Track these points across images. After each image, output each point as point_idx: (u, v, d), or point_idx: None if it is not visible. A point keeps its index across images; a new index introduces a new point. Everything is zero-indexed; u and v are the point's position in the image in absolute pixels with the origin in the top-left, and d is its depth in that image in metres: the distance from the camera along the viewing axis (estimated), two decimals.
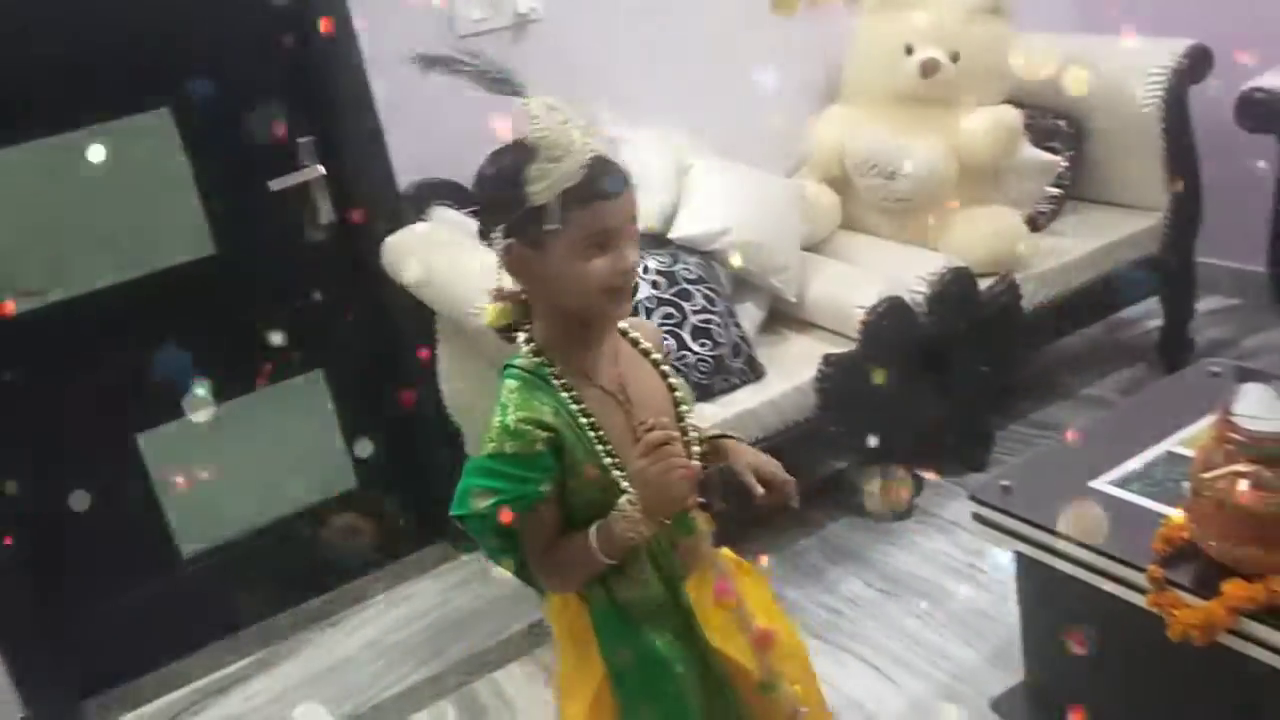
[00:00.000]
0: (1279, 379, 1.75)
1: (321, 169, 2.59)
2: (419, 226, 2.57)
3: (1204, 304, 3.26)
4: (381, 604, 2.77)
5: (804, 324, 2.77)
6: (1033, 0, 3.15)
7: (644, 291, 2.47)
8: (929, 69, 2.82)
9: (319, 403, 2.76)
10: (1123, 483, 1.82)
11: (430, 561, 2.88)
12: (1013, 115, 2.83)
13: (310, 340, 2.65)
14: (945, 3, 2.90)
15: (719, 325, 2.52)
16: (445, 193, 2.65)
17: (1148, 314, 3.31)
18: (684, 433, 1.45)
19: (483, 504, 1.32)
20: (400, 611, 2.73)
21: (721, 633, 1.45)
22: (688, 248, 2.63)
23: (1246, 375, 1.91)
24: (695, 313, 2.50)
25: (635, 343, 1.47)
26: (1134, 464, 1.85)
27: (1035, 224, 3.00)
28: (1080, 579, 1.72)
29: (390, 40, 2.58)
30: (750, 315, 2.70)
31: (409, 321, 2.65)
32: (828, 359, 2.55)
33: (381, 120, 2.62)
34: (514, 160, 1.31)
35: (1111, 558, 1.66)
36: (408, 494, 2.87)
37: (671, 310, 2.49)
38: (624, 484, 1.34)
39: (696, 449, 1.47)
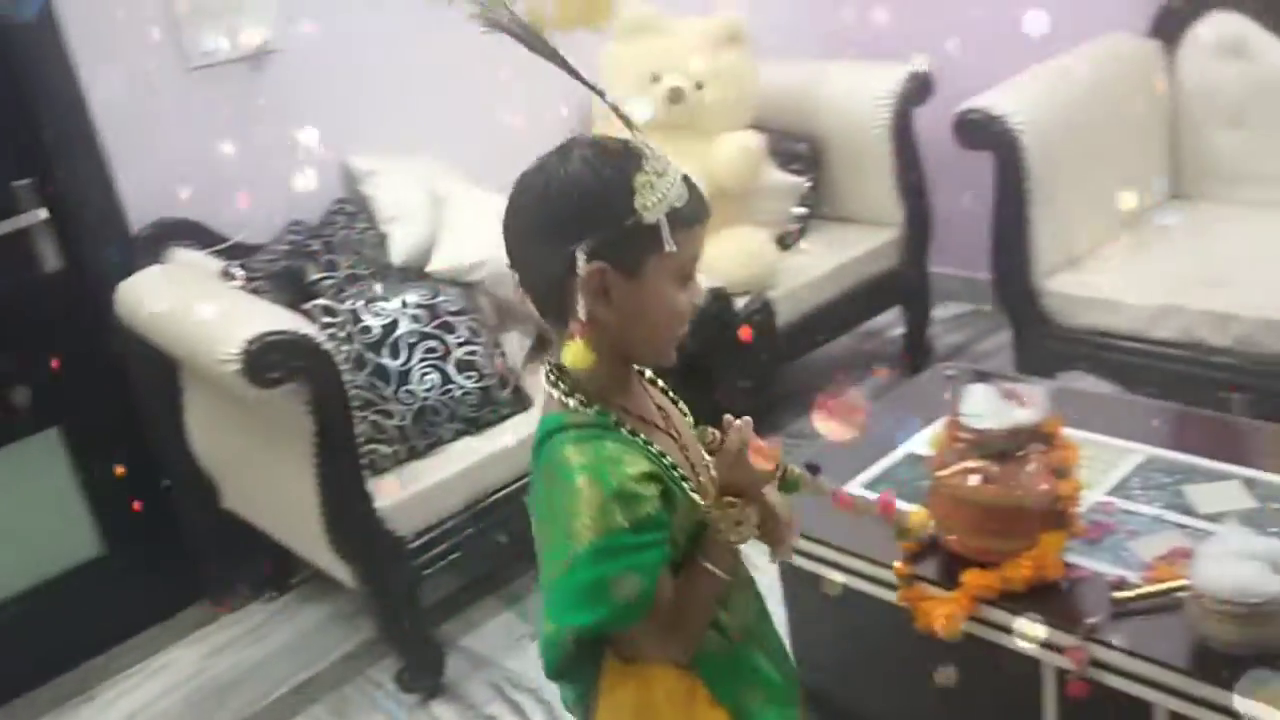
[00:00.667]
0: (1005, 379, 1.89)
1: (44, 212, 2.41)
2: (155, 269, 2.43)
3: (941, 311, 3.49)
4: (139, 674, 2.59)
5: None
6: (772, 29, 3.30)
7: (404, 326, 2.42)
8: (675, 96, 2.90)
9: (54, 464, 2.56)
10: (871, 485, 1.91)
11: (188, 625, 2.71)
12: (757, 140, 2.95)
13: (41, 397, 2.46)
14: (689, 32, 3.00)
15: (484, 357, 2.49)
16: (184, 232, 2.53)
17: (891, 324, 3.52)
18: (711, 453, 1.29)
19: (631, 590, 1.08)
20: (159, 681, 2.56)
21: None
22: (448, 280, 2.60)
23: (979, 376, 2.04)
24: (459, 345, 2.47)
25: (654, 381, 1.32)
26: (880, 466, 1.95)
27: (784, 243, 3.14)
28: (835, 580, 1.78)
29: (118, 76, 2.44)
30: (516, 345, 2.69)
31: (150, 371, 2.50)
32: None
33: (111, 160, 2.47)
34: (617, 166, 1.10)
35: (863, 558, 1.74)
36: (161, 555, 2.69)
37: (435, 344, 2.44)
38: (704, 507, 1.19)
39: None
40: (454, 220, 2.67)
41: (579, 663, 1.19)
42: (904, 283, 3.26)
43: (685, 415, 1.32)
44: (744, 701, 1.25)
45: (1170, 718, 1.47)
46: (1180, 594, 1.50)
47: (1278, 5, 2.73)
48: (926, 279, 3.32)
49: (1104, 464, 1.83)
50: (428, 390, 2.39)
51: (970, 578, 1.58)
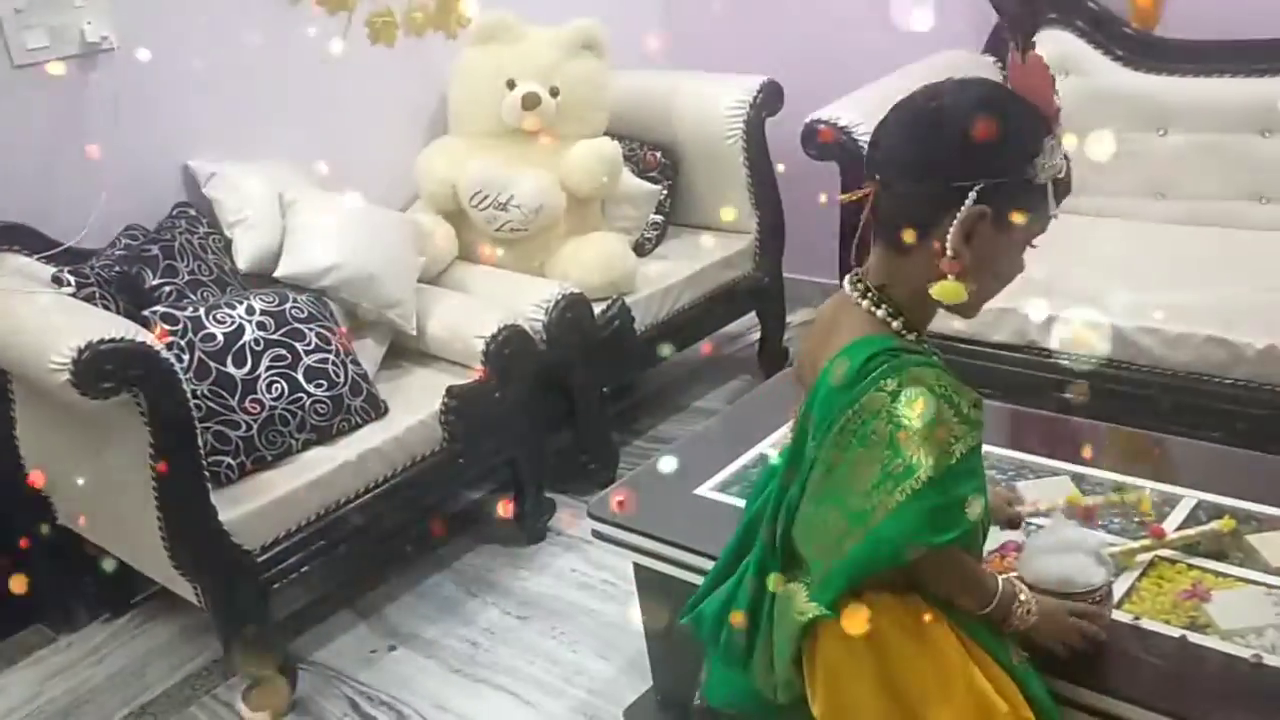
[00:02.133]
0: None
1: None
2: None
3: (796, 316, 3.57)
4: None
5: (426, 357, 2.74)
6: (627, 39, 3.33)
7: (249, 334, 2.35)
8: (530, 103, 2.90)
9: None
10: (722, 487, 1.94)
11: (22, 649, 2.57)
12: (612, 147, 2.97)
13: None
14: (543, 39, 3.00)
15: (335, 364, 2.44)
16: (12, 237, 2.40)
17: (748, 329, 3.58)
18: None
19: (977, 509, 1.18)
20: None
21: None
22: (296, 285, 2.53)
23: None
24: (309, 353, 2.41)
25: None
26: (732, 469, 1.99)
27: (641, 249, 3.16)
28: (690, 582, 1.80)
29: None
30: (369, 352, 2.64)
31: None
32: (451, 390, 2.55)
33: None
34: (1033, 123, 1.16)
35: (714, 558, 1.76)
36: None
37: (283, 352, 2.38)
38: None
39: None
40: (302, 224, 2.60)
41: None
42: (759, 289, 3.33)
43: None
44: (972, 629, 1.29)
45: None
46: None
47: (1104, 24, 2.89)
48: (781, 285, 3.39)
49: None
50: (275, 399, 2.33)
51: None
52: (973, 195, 1.14)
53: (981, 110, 1.14)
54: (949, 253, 1.16)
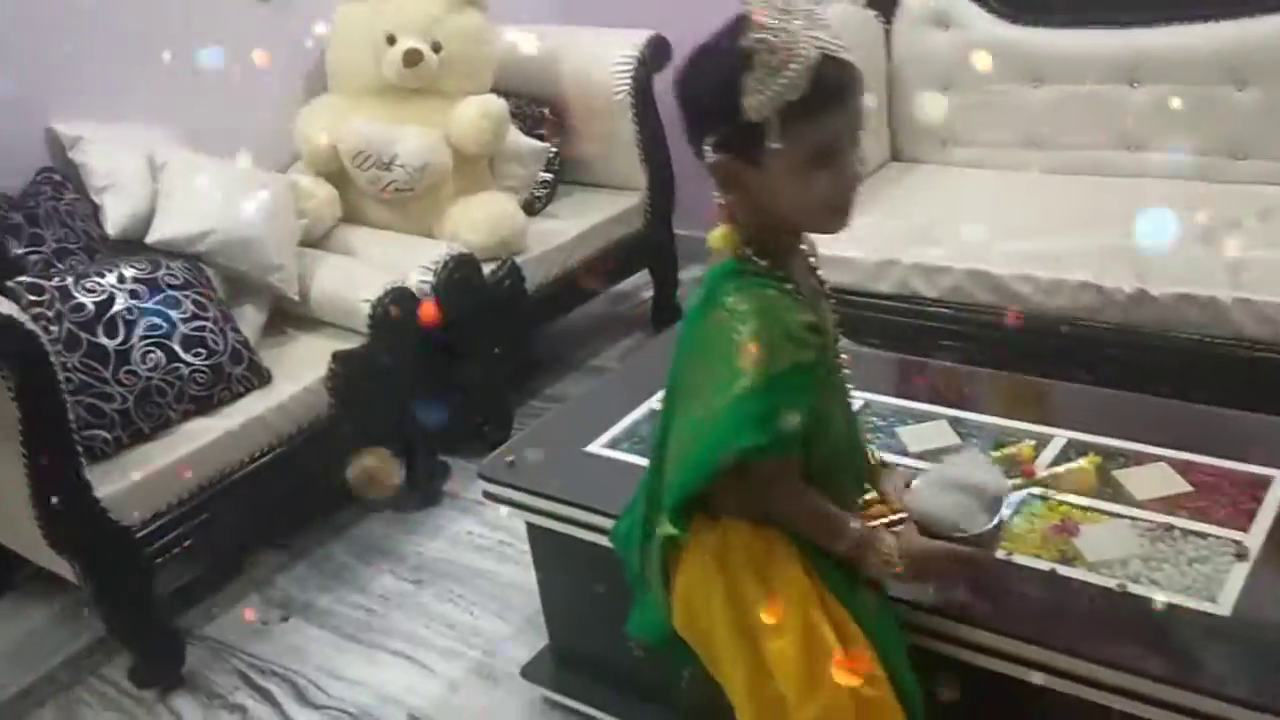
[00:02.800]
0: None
1: None
2: None
3: (688, 273, 3.57)
4: None
5: (311, 322, 2.68)
6: None
7: (122, 302, 2.27)
8: (411, 59, 2.83)
9: None
10: (613, 444, 1.94)
11: None
12: (499, 105, 2.92)
13: None
14: None
15: (214, 332, 2.37)
16: None
17: (640, 286, 3.58)
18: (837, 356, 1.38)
19: (793, 422, 1.18)
20: None
21: None
22: (170, 251, 2.45)
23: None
24: (185, 321, 2.33)
25: (814, 269, 1.38)
26: (622, 425, 1.99)
27: (531, 208, 3.13)
28: (582, 539, 1.81)
29: None
30: (250, 318, 2.57)
31: None
32: (337, 356, 2.50)
33: None
34: (728, 66, 1.14)
35: (606, 514, 1.77)
36: None
37: (158, 321, 2.30)
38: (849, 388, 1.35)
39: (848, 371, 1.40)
40: (174, 188, 2.51)
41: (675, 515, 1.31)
42: (650, 246, 3.32)
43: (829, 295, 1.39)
44: (823, 566, 1.32)
45: None
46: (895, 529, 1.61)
47: None
48: (672, 242, 3.39)
49: None
50: (151, 370, 2.25)
51: None
52: (708, 149, 1.19)
53: (683, 74, 1.22)
54: (716, 200, 1.23)
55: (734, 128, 1.16)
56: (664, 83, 3.17)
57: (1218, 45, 2.65)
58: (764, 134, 1.14)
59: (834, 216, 1.23)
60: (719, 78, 1.16)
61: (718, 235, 1.25)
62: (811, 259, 1.37)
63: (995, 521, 1.38)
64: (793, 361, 1.18)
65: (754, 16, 1.14)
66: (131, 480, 2.17)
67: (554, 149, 3.22)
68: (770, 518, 1.32)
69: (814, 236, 1.37)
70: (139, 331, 2.27)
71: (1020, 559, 1.52)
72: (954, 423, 1.87)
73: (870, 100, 1.23)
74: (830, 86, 1.15)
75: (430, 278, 2.68)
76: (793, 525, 1.31)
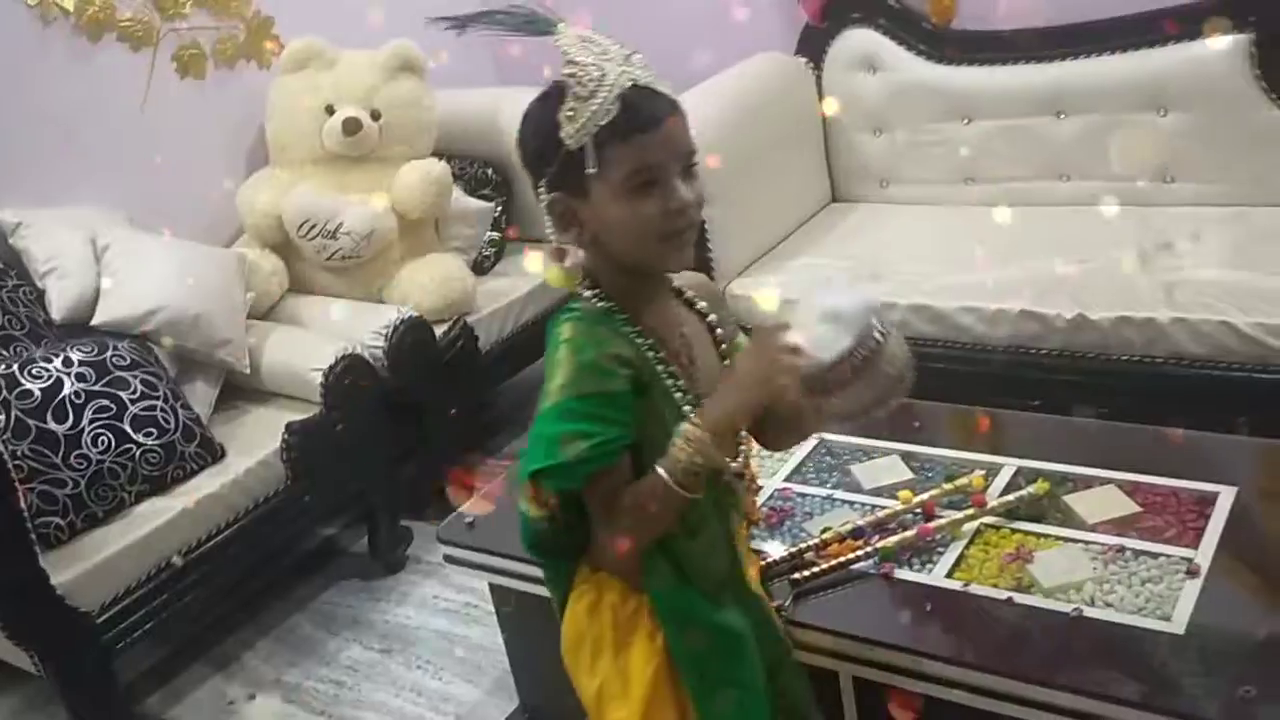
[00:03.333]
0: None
1: None
2: None
3: None
4: None
5: (263, 395, 2.67)
6: (452, 56, 3.30)
7: (69, 386, 2.25)
8: (351, 128, 2.86)
9: None
10: None
11: None
12: (440, 168, 2.94)
13: None
14: (359, 62, 2.96)
15: (165, 410, 2.35)
16: None
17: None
18: None
19: (577, 449, 1.17)
20: None
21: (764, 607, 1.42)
22: (117, 332, 2.43)
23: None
24: (134, 401, 2.32)
25: (691, 304, 1.37)
26: None
27: (480, 267, 3.15)
28: (545, 596, 1.80)
29: None
30: (201, 394, 2.56)
31: None
32: (290, 427, 2.49)
33: None
34: (546, 105, 1.21)
35: None
36: None
37: (106, 403, 2.28)
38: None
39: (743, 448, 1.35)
40: (118, 268, 2.51)
41: (557, 551, 1.35)
42: None
43: (721, 341, 1.36)
44: (691, 645, 1.30)
45: (853, 681, 1.59)
46: (852, 566, 1.63)
47: (905, 20, 3.01)
48: None
49: (782, 453, 1.94)
50: (102, 453, 2.23)
51: None
52: (542, 189, 1.23)
53: (523, 120, 1.26)
54: (552, 240, 1.26)
55: (559, 163, 1.20)
56: None
57: (1137, 74, 2.73)
58: (584, 164, 1.18)
59: (666, 247, 1.23)
60: (540, 117, 1.22)
61: (552, 274, 1.26)
62: (700, 303, 1.36)
63: (849, 344, 1.21)
64: (582, 391, 1.19)
65: (567, 53, 1.19)
66: (88, 566, 2.15)
67: (499, 208, 3.24)
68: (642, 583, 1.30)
69: (716, 291, 1.42)
70: (88, 415, 2.25)
71: (977, 589, 1.54)
72: (905, 457, 1.90)
73: (700, 148, 1.23)
74: (641, 111, 1.19)
75: (381, 343, 2.68)
76: (646, 526, 1.24)
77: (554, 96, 1.20)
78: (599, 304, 1.26)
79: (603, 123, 1.17)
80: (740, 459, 1.34)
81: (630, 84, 1.19)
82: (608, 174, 1.18)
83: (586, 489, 1.23)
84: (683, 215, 1.22)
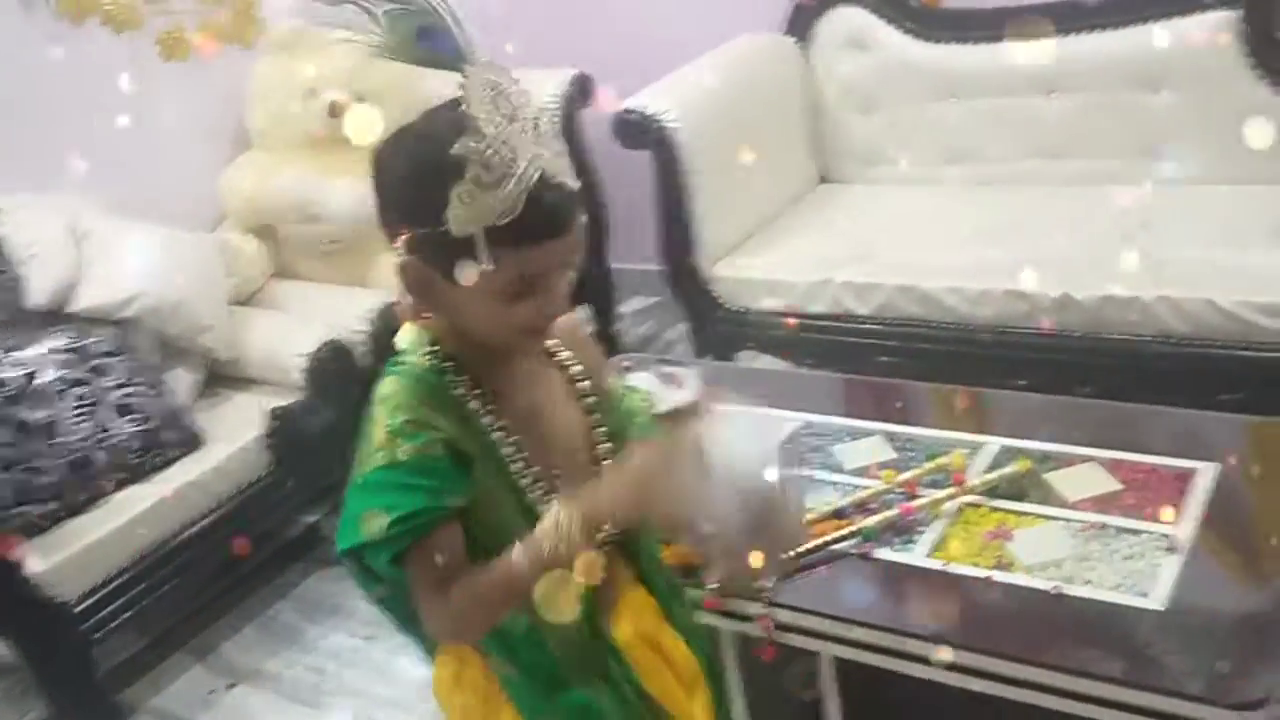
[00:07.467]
0: (672, 364, 1.96)
1: None
2: None
3: (628, 305, 3.58)
4: None
5: (245, 381, 2.66)
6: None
7: (50, 374, 2.24)
8: (336, 110, 2.83)
9: None
10: None
11: None
12: None
13: None
14: (346, 45, 2.94)
15: (146, 397, 2.34)
16: None
17: (582, 321, 3.57)
18: (596, 463, 1.19)
19: (378, 525, 1.03)
20: None
21: (649, 674, 1.22)
22: (97, 319, 2.42)
23: (662, 363, 2.09)
24: (115, 388, 2.31)
25: (551, 355, 1.21)
26: None
27: None
28: None
29: None
30: (183, 381, 2.55)
31: None
32: (274, 413, 2.47)
33: None
34: (435, 166, 1.00)
35: None
36: None
37: (86, 390, 2.27)
38: (539, 510, 1.10)
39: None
40: (99, 255, 2.49)
41: (410, 619, 1.14)
42: (587, 281, 3.29)
43: (597, 426, 1.21)
44: None
45: (834, 662, 1.58)
46: (833, 547, 1.61)
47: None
48: (608, 276, 3.39)
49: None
50: (82, 440, 2.22)
51: None
52: (400, 246, 1.05)
53: (384, 153, 1.08)
54: (401, 299, 1.10)
55: (431, 234, 1.02)
56: (590, 119, 3.19)
57: (1128, 52, 2.70)
58: (464, 249, 1.01)
59: (526, 339, 1.13)
60: (424, 176, 1.02)
61: (406, 335, 1.11)
62: (562, 354, 1.23)
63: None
64: (393, 459, 1.05)
65: (475, 120, 1.00)
66: (67, 554, 2.13)
67: None
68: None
69: (584, 341, 1.27)
70: (68, 403, 2.23)
71: (958, 568, 1.52)
72: (889, 437, 1.88)
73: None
74: (546, 218, 1.03)
75: (365, 328, 2.66)
76: (481, 615, 1.10)
77: (448, 164, 0.99)
78: (429, 361, 1.11)
79: (502, 221, 1.00)
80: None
81: (538, 174, 1.01)
82: (490, 274, 1.01)
83: (406, 568, 1.07)
84: (559, 311, 1.10)
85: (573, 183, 1.06)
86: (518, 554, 1.06)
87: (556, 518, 1.06)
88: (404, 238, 1.05)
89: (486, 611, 1.10)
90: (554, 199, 1.03)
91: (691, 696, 1.26)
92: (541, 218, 1.02)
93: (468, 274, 1.01)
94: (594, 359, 1.27)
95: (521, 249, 1.02)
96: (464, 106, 1.01)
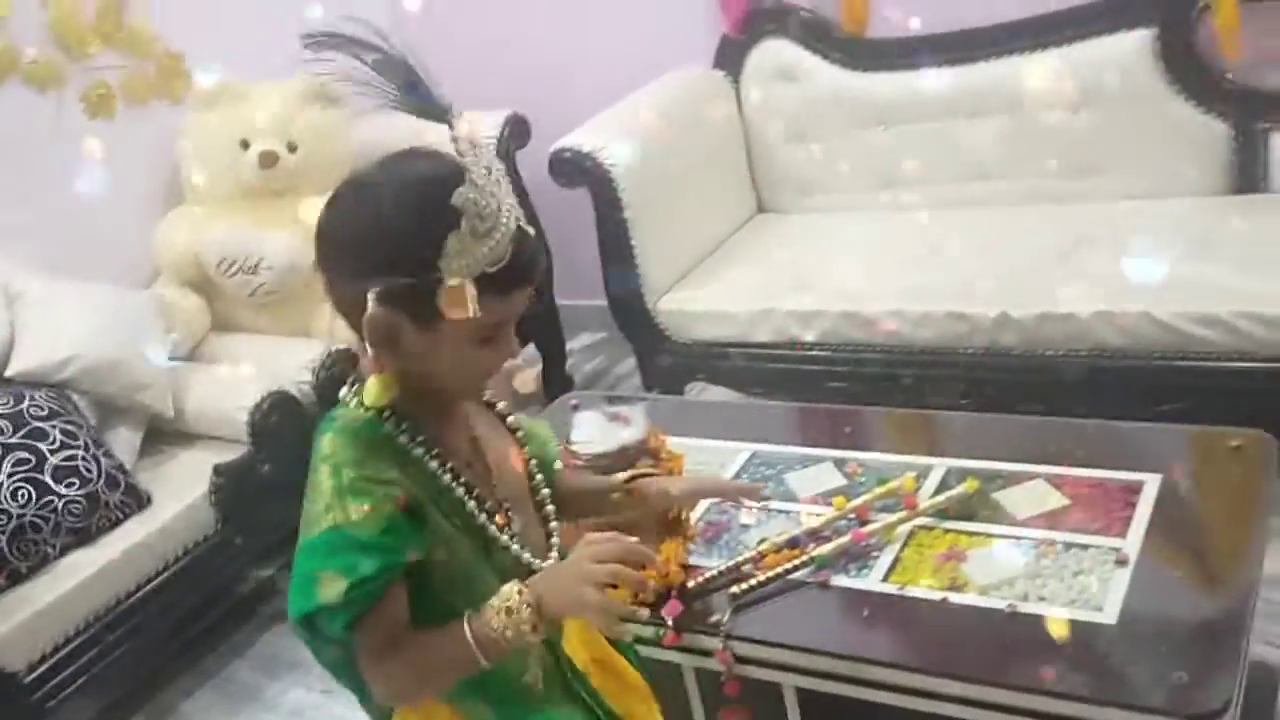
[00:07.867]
0: (620, 401, 1.97)
1: None
2: None
3: (577, 341, 3.59)
4: None
5: (189, 437, 2.62)
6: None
7: None
8: (267, 160, 2.82)
9: None
10: None
11: None
12: None
13: None
14: (275, 95, 2.92)
15: (86, 460, 2.29)
16: None
17: (530, 360, 3.57)
18: (539, 508, 1.23)
19: (335, 590, 1.01)
20: None
21: (612, 694, 1.25)
22: (33, 382, 2.37)
23: (609, 401, 2.09)
24: (54, 452, 2.26)
25: (490, 405, 1.25)
26: None
27: None
28: None
29: None
30: (125, 440, 2.50)
31: None
32: (218, 469, 2.44)
33: None
34: (431, 218, 1.01)
35: None
36: None
37: (26, 455, 2.23)
38: (504, 541, 1.13)
39: (554, 524, 1.23)
40: (33, 317, 2.45)
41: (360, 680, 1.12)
42: (534, 318, 3.31)
43: (530, 462, 1.25)
44: None
45: (797, 694, 1.58)
46: (789, 576, 1.62)
47: (819, 31, 3.03)
48: (556, 313, 3.39)
49: (715, 466, 1.94)
50: (22, 507, 2.17)
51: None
52: (371, 298, 1.04)
53: (387, 204, 1.05)
54: (365, 354, 1.09)
55: (412, 284, 1.03)
56: (526, 159, 3.20)
57: (1048, 74, 2.77)
58: (450, 298, 1.02)
59: (483, 384, 1.19)
60: (416, 227, 1.03)
61: (370, 389, 1.09)
62: (500, 404, 1.27)
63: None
64: (345, 519, 1.04)
65: (469, 168, 1.03)
66: (12, 624, 2.08)
67: None
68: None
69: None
70: (6, 468, 2.19)
71: (913, 591, 1.54)
72: (838, 463, 1.90)
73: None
74: (527, 264, 1.07)
75: (309, 377, 2.64)
76: (426, 681, 1.11)
77: (446, 214, 1.01)
78: (366, 413, 1.10)
79: (490, 269, 1.03)
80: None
81: (517, 225, 1.05)
82: (473, 320, 1.03)
83: (356, 633, 1.06)
84: (512, 356, 1.13)
85: (535, 239, 1.09)
86: (469, 632, 1.07)
87: (510, 601, 1.07)
88: (378, 290, 1.03)
89: (434, 682, 1.11)
90: (528, 246, 1.07)
91: (651, 712, 1.31)
92: (521, 265, 1.06)
93: (454, 322, 1.03)
94: (502, 392, 1.30)
95: (502, 296, 1.05)
96: (462, 157, 1.04)
